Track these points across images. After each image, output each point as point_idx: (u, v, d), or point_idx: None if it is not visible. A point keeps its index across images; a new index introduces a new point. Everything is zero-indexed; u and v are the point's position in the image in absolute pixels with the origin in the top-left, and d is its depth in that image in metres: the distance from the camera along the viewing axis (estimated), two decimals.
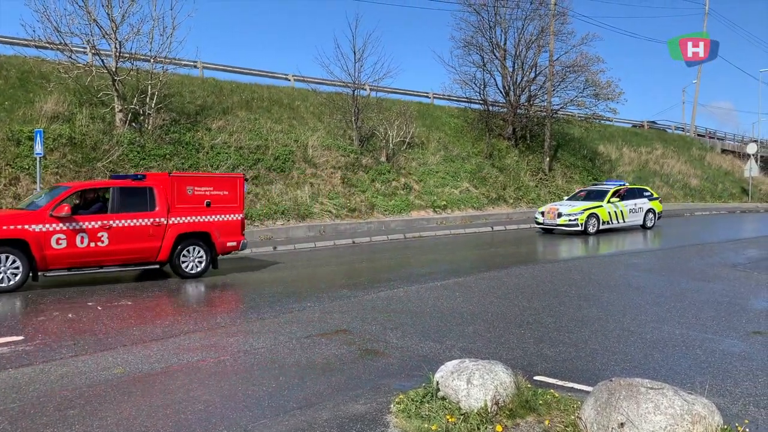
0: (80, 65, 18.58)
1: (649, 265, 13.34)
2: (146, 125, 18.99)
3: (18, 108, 17.38)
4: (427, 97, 32.81)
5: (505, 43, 30.66)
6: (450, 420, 4.27)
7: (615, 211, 20.00)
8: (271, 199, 19.58)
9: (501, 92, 31.11)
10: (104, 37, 18.41)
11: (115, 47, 18.36)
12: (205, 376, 5.72)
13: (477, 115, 30.80)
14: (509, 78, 30.76)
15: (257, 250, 15.67)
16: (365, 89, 26.40)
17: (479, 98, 30.51)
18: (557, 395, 4.95)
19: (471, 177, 26.74)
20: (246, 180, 13.22)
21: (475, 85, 30.29)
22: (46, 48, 18.25)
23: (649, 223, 21.22)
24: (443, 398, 4.66)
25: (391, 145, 24.67)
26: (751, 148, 41.22)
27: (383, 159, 24.46)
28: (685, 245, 16.97)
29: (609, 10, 75.07)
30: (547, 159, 30.64)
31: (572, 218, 19.09)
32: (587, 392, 4.84)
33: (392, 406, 4.84)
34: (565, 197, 23.21)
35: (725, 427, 3.97)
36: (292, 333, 7.31)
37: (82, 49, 19.23)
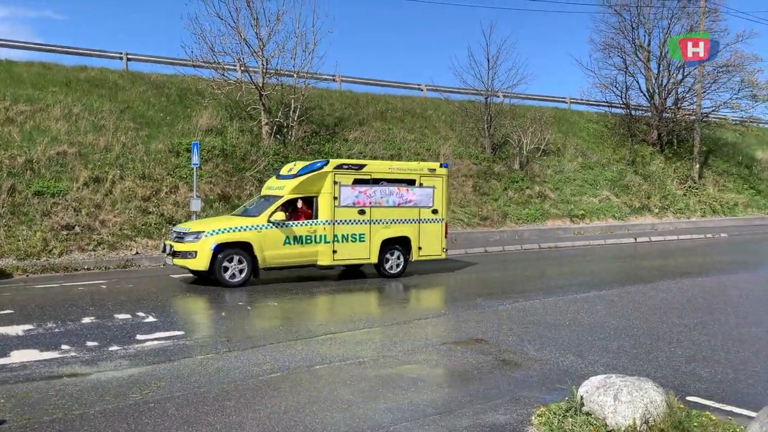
0: (231, 82, 20.06)
1: None
2: (289, 137, 20.08)
3: (177, 122, 19.09)
4: (563, 102, 31.78)
5: (649, 44, 28.98)
6: None
7: None
8: None
9: (645, 95, 29.41)
10: (252, 54, 19.75)
11: (262, 64, 19.63)
12: (347, 376, 5.94)
13: (618, 120, 29.32)
14: (654, 80, 29.02)
15: None
16: (498, 96, 26.09)
17: (620, 102, 29.02)
18: (714, 418, 4.61)
19: (611, 185, 25.49)
20: None
21: (616, 88, 28.88)
22: (202, 67, 19.92)
23: None
24: (588, 413, 4.50)
25: (524, 152, 24.16)
26: None
27: (516, 166, 24.02)
28: None
29: None
30: (697, 166, 28.44)
31: None
32: (750, 417, 4.46)
33: (533, 418, 4.74)
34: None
35: None
36: (428, 339, 7.39)
37: (232, 67, 20.74)
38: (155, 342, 7.34)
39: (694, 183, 27.95)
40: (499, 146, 24.56)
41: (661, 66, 28.75)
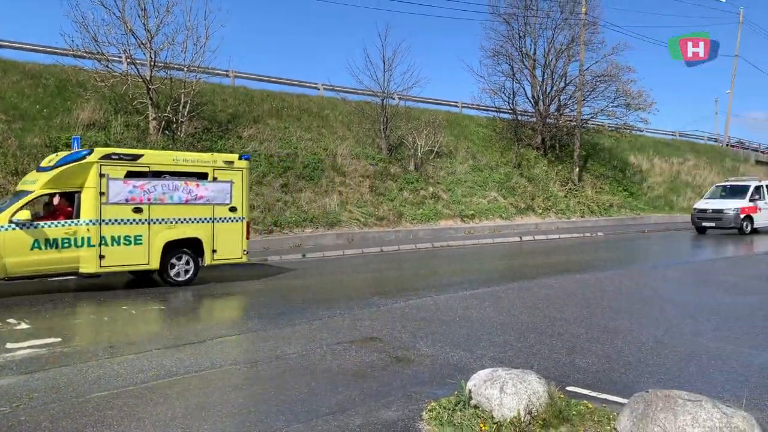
0: (116, 74, 19.02)
1: (682, 278, 13.13)
2: (179, 133, 19.34)
3: (56, 115, 17.84)
4: (455, 106, 32.80)
5: (534, 53, 30.56)
6: (483, 428, 4.27)
7: None
8: (300, 207, 19.74)
9: (530, 102, 30.97)
10: (140, 46, 18.83)
11: (150, 57, 18.76)
12: (238, 380, 5.80)
13: (505, 125, 30.69)
14: (539, 87, 30.61)
15: (286, 257, 15.80)
16: (394, 98, 26.50)
17: (508, 108, 30.41)
18: (591, 406, 4.91)
19: (499, 187, 26.63)
20: None
21: (504, 94, 30.23)
22: (83, 57, 18.74)
23: None
24: (476, 406, 4.66)
25: (419, 154, 24.71)
26: None
27: (411, 168, 24.50)
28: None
29: (641, 19, 74.30)
30: (577, 169, 30.35)
31: None
32: (622, 404, 4.79)
33: (424, 413, 4.85)
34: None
35: None
36: (322, 339, 7.37)
37: (118, 59, 19.68)
38: (28, 350, 6.81)
39: (574, 185, 29.78)
40: (395, 148, 24.96)
41: (546, 74, 30.43)
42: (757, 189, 24.75)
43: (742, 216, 23.82)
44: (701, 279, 12.93)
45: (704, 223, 24.58)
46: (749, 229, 24.05)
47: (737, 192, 24.92)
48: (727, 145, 48.09)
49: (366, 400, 5.24)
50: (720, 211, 24.15)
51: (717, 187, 26.97)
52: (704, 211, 24.66)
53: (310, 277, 12.74)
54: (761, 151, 49.82)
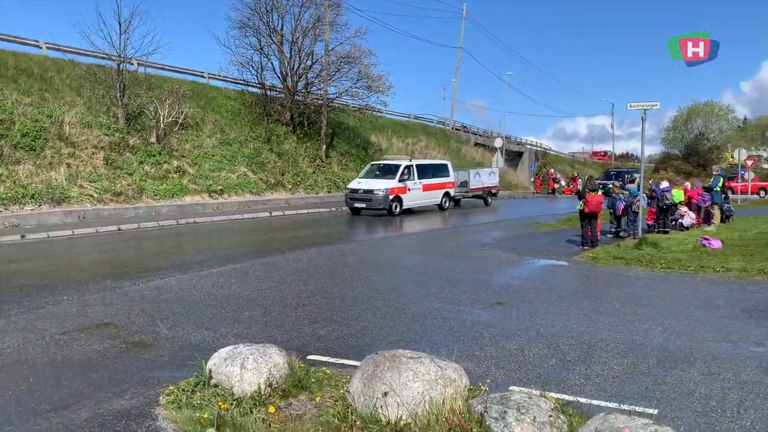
0: None
1: (412, 247, 14.49)
2: None
3: None
4: (202, 76, 31.47)
5: (282, 29, 30.61)
6: (222, 406, 4.23)
7: None
8: (18, 182, 17.27)
9: (279, 77, 31.06)
10: None
11: None
12: None
13: (255, 99, 30.39)
14: (287, 64, 30.83)
15: (1, 240, 13.74)
16: (132, 63, 24.48)
17: (257, 82, 30.12)
18: (329, 372, 5.17)
19: (249, 162, 26.39)
20: None
21: (253, 68, 29.85)
22: None
23: None
24: (216, 385, 4.60)
25: (162, 125, 23.23)
26: (498, 143, 46.70)
27: (153, 140, 22.96)
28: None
29: (381, 6, 79.26)
30: (324, 146, 31.43)
31: None
32: (357, 367, 5.13)
33: (161, 398, 4.64)
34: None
35: (471, 387, 4.50)
36: (45, 329, 6.59)
37: None
38: None
39: (322, 162, 30.85)
40: (135, 117, 23.15)
41: (293, 51, 30.74)
42: (407, 169, 23.53)
43: (391, 197, 22.27)
44: (427, 247, 14.42)
45: (356, 204, 22.67)
46: (398, 210, 22.68)
47: (388, 171, 23.56)
48: (452, 128, 53.93)
49: (95, 391, 4.84)
50: (370, 191, 22.35)
51: (372, 165, 25.65)
52: (356, 191, 22.82)
53: (29, 261, 11.27)
54: (479, 135, 56.90)
